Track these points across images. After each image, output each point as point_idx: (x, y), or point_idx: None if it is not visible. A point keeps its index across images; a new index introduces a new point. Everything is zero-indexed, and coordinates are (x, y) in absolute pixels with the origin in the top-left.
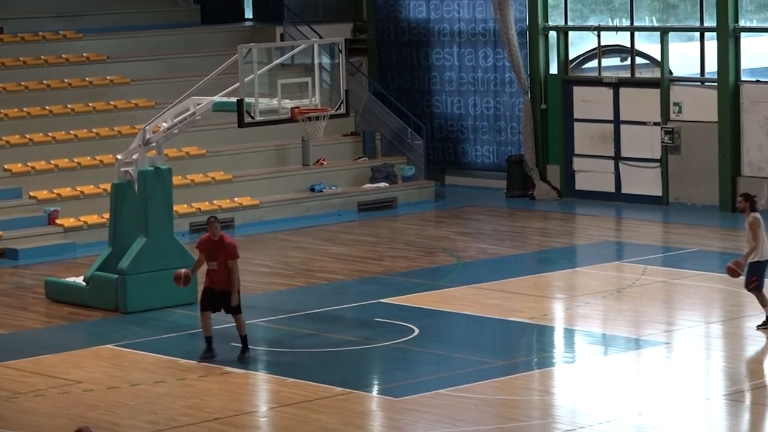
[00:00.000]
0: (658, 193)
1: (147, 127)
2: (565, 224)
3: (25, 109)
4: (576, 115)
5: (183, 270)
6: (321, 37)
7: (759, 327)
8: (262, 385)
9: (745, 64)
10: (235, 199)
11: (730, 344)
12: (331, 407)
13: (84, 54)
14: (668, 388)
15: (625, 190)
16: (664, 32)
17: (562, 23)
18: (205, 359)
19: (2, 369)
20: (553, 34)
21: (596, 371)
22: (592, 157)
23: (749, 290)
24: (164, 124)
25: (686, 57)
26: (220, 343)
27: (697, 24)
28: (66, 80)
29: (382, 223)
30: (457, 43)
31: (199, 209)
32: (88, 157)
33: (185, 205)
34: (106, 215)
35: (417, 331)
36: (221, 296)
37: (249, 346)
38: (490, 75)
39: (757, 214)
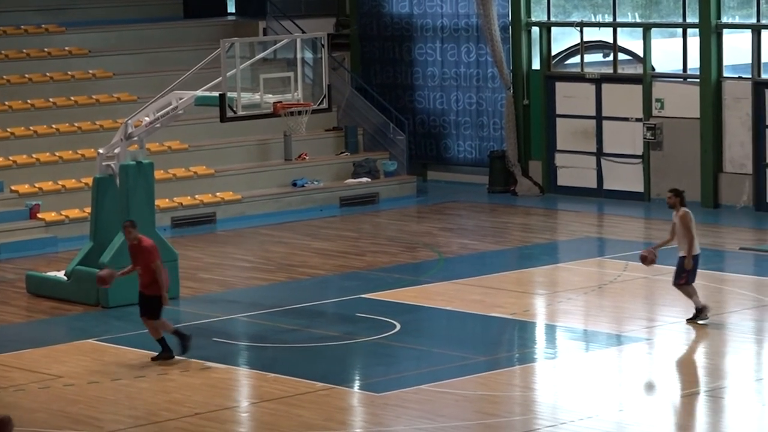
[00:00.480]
0: (640, 189)
1: (129, 122)
2: (547, 220)
3: (6, 102)
4: (558, 111)
5: (105, 271)
6: (303, 32)
7: (689, 320)
8: (243, 380)
9: (727, 60)
10: (217, 193)
11: (712, 340)
12: (313, 402)
13: (66, 48)
14: (649, 384)
15: (607, 186)
16: (646, 28)
17: (545, 19)
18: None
19: None
20: (535, 29)
21: (578, 367)
22: (574, 152)
23: (676, 285)
24: (146, 118)
25: (668, 53)
26: (201, 338)
27: (680, 20)
28: (48, 74)
29: (364, 219)
30: (440, 39)
31: (181, 204)
32: (70, 151)
33: (167, 200)
34: (88, 209)
35: (398, 326)
36: (151, 300)
37: (186, 334)
38: (472, 70)
39: (687, 209)
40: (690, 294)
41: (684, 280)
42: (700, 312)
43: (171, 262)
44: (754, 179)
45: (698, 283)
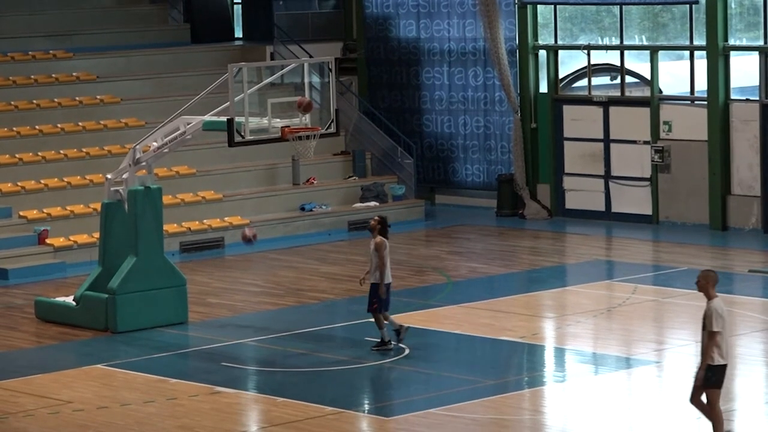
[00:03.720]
0: (648, 211)
1: (137, 147)
2: (555, 243)
3: (14, 128)
4: (566, 134)
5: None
6: (311, 56)
7: (374, 348)
8: (252, 404)
9: (734, 82)
10: (226, 218)
11: None
12: (322, 427)
13: (74, 73)
14: (659, 407)
15: (615, 209)
16: (653, 51)
17: (552, 42)
18: None
19: None
20: (543, 53)
21: (587, 390)
22: (582, 176)
23: (370, 311)
24: (154, 143)
25: (676, 76)
26: (211, 362)
27: (687, 43)
28: (56, 100)
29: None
30: (447, 62)
31: (189, 229)
32: (78, 177)
33: (175, 225)
34: (96, 235)
35: (407, 350)
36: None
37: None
38: (480, 94)
39: (384, 238)
40: (381, 322)
41: (375, 306)
42: (399, 332)
43: (179, 287)
44: (763, 201)
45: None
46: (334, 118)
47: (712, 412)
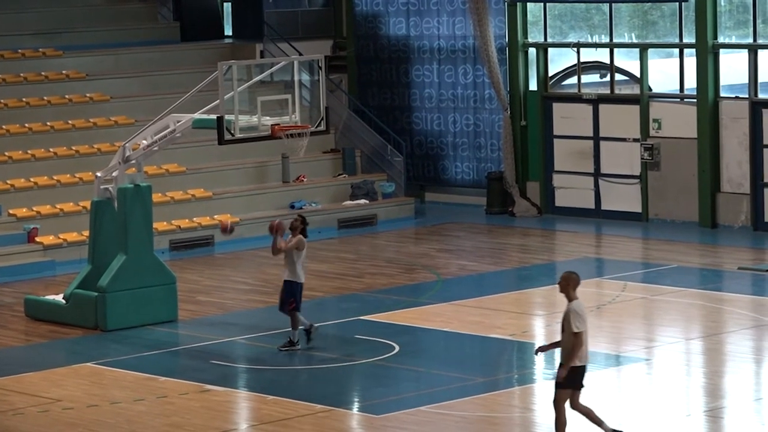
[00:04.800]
0: (638, 209)
1: (127, 145)
2: (545, 241)
3: (4, 126)
4: (556, 132)
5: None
6: (301, 54)
7: (281, 348)
8: (242, 402)
9: (724, 80)
10: (215, 216)
11: (711, 360)
12: (312, 424)
13: (63, 71)
14: (649, 404)
15: (604, 206)
16: (643, 49)
17: (542, 40)
18: None
19: None
20: (532, 50)
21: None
22: (572, 173)
23: (284, 311)
24: (144, 141)
25: (665, 73)
26: (200, 361)
27: (677, 40)
28: (45, 98)
29: (362, 240)
30: (437, 60)
31: (179, 227)
32: (68, 175)
33: (165, 223)
34: (86, 233)
35: (397, 348)
36: None
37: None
38: (469, 92)
39: (302, 237)
40: (298, 322)
41: (293, 306)
42: (309, 332)
43: (169, 285)
44: (752, 199)
45: (698, 303)
46: (323, 116)
47: (557, 411)
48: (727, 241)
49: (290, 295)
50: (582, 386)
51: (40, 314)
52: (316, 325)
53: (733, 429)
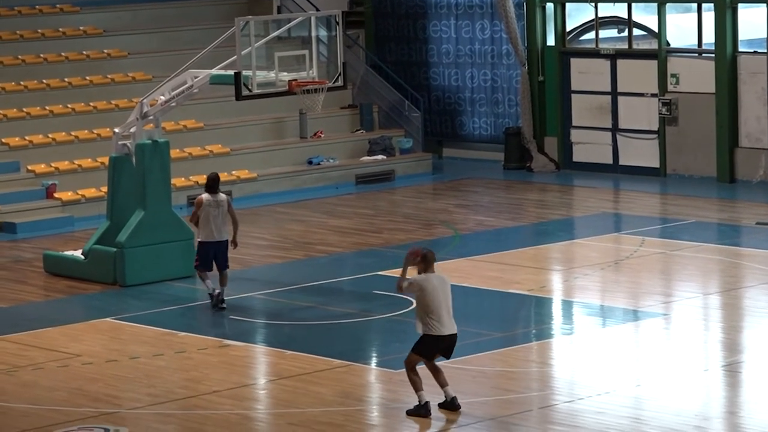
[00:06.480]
0: (656, 164)
1: (144, 101)
2: (562, 196)
3: (22, 82)
4: (573, 87)
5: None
6: (318, 10)
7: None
8: (260, 357)
9: (742, 35)
10: (233, 172)
11: (728, 315)
12: (330, 379)
13: (81, 27)
14: (666, 359)
15: (622, 161)
16: (661, 4)
17: None
18: None
19: (1, 342)
20: (550, 5)
21: (594, 343)
22: (590, 128)
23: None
24: (162, 97)
25: (683, 28)
26: (219, 316)
27: None
28: (63, 54)
29: (379, 196)
30: (455, 16)
31: (197, 182)
32: (86, 131)
33: (183, 179)
34: (104, 189)
35: (415, 303)
36: None
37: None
38: (487, 47)
39: (225, 197)
40: (204, 279)
41: (197, 263)
42: (220, 299)
43: (187, 241)
44: None
45: (715, 258)
46: (341, 72)
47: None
48: (745, 196)
49: (196, 253)
50: (433, 358)
51: (58, 270)
52: (218, 291)
53: (751, 383)
